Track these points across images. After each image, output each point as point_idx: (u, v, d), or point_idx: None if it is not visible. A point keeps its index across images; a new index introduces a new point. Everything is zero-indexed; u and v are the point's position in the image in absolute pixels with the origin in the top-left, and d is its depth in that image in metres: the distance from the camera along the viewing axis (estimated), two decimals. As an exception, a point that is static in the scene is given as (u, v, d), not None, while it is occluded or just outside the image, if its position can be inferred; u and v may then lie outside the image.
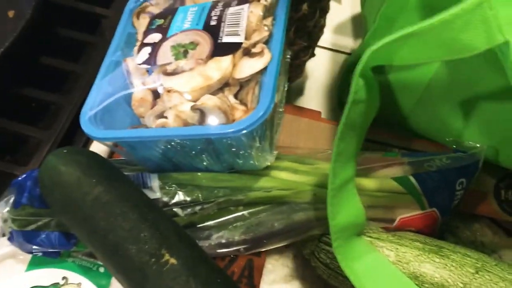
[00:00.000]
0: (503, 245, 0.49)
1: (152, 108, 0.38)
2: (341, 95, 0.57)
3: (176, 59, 0.37)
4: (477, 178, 0.45)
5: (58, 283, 0.39)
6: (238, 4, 0.39)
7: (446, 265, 0.39)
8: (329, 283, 0.43)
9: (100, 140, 0.37)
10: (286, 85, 0.46)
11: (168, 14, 0.42)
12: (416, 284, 0.39)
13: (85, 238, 0.36)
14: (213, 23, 0.39)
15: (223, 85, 0.37)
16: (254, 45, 0.37)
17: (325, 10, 0.51)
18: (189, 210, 0.39)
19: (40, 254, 0.38)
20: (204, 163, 0.40)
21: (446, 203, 0.43)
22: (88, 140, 0.49)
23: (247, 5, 0.39)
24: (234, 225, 0.40)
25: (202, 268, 0.35)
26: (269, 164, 0.41)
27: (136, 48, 0.41)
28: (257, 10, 0.38)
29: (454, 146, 0.44)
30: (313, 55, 0.54)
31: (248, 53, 0.37)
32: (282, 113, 0.44)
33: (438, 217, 0.43)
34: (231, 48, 0.37)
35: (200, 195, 0.39)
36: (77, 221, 0.35)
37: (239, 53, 0.37)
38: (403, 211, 0.42)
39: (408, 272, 0.39)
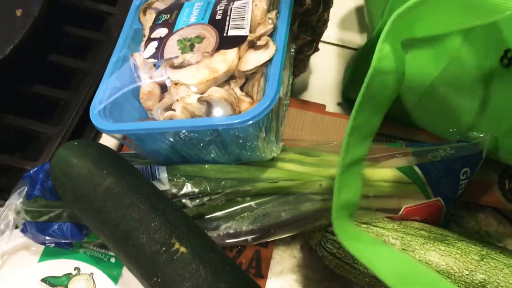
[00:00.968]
0: (508, 235, 0.50)
1: (159, 101, 0.39)
2: (347, 90, 0.57)
3: (183, 52, 0.38)
4: (482, 169, 0.45)
5: (70, 274, 0.39)
6: (242, -2, 0.40)
7: (452, 252, 0.40)
8: (336, 273, 0.44)
9: (109, 133, 0.37)
10: (291, 79, 0.47)
11: (174, 9, 0.42)
12: (422, 272, 0.39)
13: (96, 229, 0.37)
14: (218, 17, 0.39)
15: (229, 78, 0.38)
16: (259, 38, 0.38)
17: (328, 4, 0.51)
18: (197, 201, 0.40)
19: (52, 245, 0.39)
20: (212, 155, 0.41)
21: (451, 192, 0.43)
22: (97, 135, 0.50)
23: (251, -1, 0.40)
24: (241, 215, 0.41)
25: (211, 256, 0.36)
26: (275, 155, 0.41)
27: (143, 44, 0.42)
28: (261, 4, 0.39)
29: (458, 137, 0.44)
30: (317, 49, 0.55)
31: (253, 46, 0.37)
32: (287, 105, 0.45)
33: (443, 206, 0.43)
34: (236, 41, 0.37)
35: (208, 187, 0.40)
36: (88, 212, 0.36)
37: (244, 46, 0.37)
38: (408, 200, 0.43)
39: (414, 260, 0.40)
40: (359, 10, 0.67)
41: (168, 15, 0.42)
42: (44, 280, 0.39)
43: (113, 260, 0.40)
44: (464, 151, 0.43)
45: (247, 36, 0.37)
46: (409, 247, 0.40)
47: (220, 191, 0.40)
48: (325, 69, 0.62)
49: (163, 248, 0.34)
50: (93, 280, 0.39)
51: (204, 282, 0.34)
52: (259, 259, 0.46)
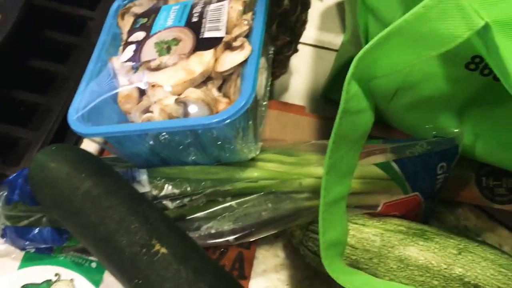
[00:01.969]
0: (486, 229, 0.51)
1: (138, 104, 0.39)
2: (327, 89, 0.58)
3: (160, 55, 0.38)
4: (459, 167, 0.46)
5: (50, 280, 0.39)
6: (218, 1, 0.41)
7: (430, 247, 0.40)
8: (318, 271, 0.44)
9: (88, 136, 0.38)
10: (269, 80, 0.47)
11: (152, 13, 0.43)
12: (402, 267, 0.40)
13: (76, 232, 0.37)
14: (195, 19, 0.40)
15: (206, 79, 0.38)
16: (235, 39, 0.38)
17: (306, 5, 0.52)
18: (178, 202, 0.40)
19: (33, 250, 0.39)
20: (192, 157, 0.41)
21: (429, 187, 0.44)
22: (79, 140, 0.50)
23: (227, 1, 0.40)
24: (222, 215, 0.41)
25: (192, 257, 0.36)
26: (254, 155, 0.42)
27: (121, 48, 0.42)
28: (236, 6, 0.39)
29: (434, 132, 0.45)
30: (296, 50, 0.56)
31: (229, 47, 0.38)
32: (266, 106, 0.45)
33: (421, 201, 0.44)
34: (212, 43, 0.38)
35: (188, 188, 0.40)
36: (68, 215, 0.36)
37: (220, 47, 0.38)
38: (387, 196, 0.43)
39: (393, 256, 0.40)
40: (338, 12, 0.68)
41: (146, 19, 0.42)
42: (24, 287, 0.39)
43: (94, 265, 0.40)
44: (440, 146, 0.44)
45: (223, 38, 0.38)
46: (388, 243, 0.41)
47: (200, 191, 0.40)
48: (305, 71, 0.62)
49: (144, 250, 0.35)
50: (74, 286, 0.39)
51: (186, 282, 0.34)
52: (242, 260, 0.46)
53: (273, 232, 0.43)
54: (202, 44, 0.38)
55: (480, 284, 0.38)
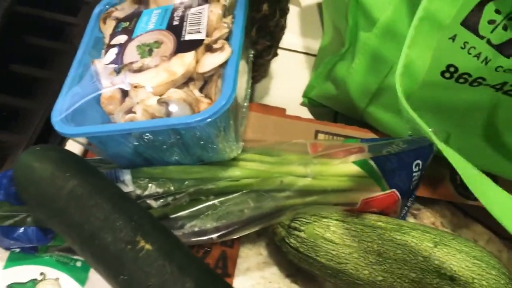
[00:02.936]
0: (461, 225, 0.52)
1: (121, 105, 0.40)
2: (309, 91, 0.60)
3: (142, 57, 0.39)
4: (434, 165, 0.48)
5: (36, 279, 0.40)
6: (199, 5, 0.42)
7: (407, 241, 0.42)
8: (300, 267, 0.45)
9: (71, 136, 0.38)
10: (250, 82, 0.49)
11: (133, 17, 0.44)
12: (380, 261, 0.41)
13: (62, 231, 0.37)
14: (175, 23, 0.41)
15: (188, 80, 0.39)
16: (215, 41, 0.39)
17: (284, 11, 0.53)
18: (161, 201, 0.41)
19: (17, 250, 0.39)
20: (175, 157, 0.42)
21: (405, 184, 0.45)
22: (62, 142, 0.50)
23: (207, 5, 0.41)
24: (206, 214, 0.42)
25: (177, 253, 0.37)
26: (236, 155, 0.43)
27: (103, 51, 0.43)
28: (216, 10, 0.41)
29: (409, 132, 0.47)
30: (275, 54, 0.57)
31: (210, 49, 0.39)
32: (247, 107, 0.47)
33: (398, 198, 0.45)
34: (193, 45, 0.39)
35: (171, 187, 0.41)
36: (53, 215, 0.37)
37: (201, 49, 0.39)
38: (365, 193, 0.45)
39: (372, 250, 0.42)
40: (315, 18, 0.70)
41: (128, 23, 0.43)
42: (9, 286, 0.39)
43: (79, 264, 0.41)
44: (415, 145, 0.46)
45: (203, 40, 0.39)
46: (368, 238, 0.42)
47: (183, 190, 0.41)
48: (285, 75, 0.64)
49: (129, 246, 0.35)
50: (59, 285, 0.40)
51: (170, 278, 0.35)
52: (226, 258, 0.47)
53: (255, 230, 0.43)
54: (183, 46, 0.39)
55: (456, 275, 0.40)
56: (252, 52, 0.50)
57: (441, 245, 0.41)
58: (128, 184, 0.41)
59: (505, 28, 0.37)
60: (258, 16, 0.49)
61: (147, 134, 0.38)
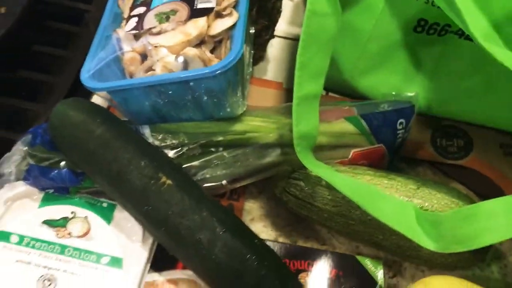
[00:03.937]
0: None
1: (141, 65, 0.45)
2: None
3: (160, 23, 0.45)
4: (417, 129, 0.54)
5: (67, 217, 0.44)
6: (209, -22, 0.48)
7: (393, 185, 0.47)
8: (299, 216, 0.51)
9: (98, 90, 0.43)
10: (252, 55, 0.54)
11: (150, -8, 0.50)
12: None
13: (92, 171, 0.42)
14: (188, -6, 0.47)
15: (200, 43, 0.45)
16: (224, 9, 0.45)
17: (280, -6, 0.60)
18: (177, 150, 0.46)
19: (51, 190, 0.44)
20: (189, 114, 0.47)
21: (391, 140, 0.51)
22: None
23: (217, -22, 0.47)
24: (215, 163, 0.47)
25: (194, 188, 0.42)
26: (241, 111, 0.48)
27: (123, 23, 0.49)
28: (225, -18, 0.47)
29: (394, 93, 0.53)
30: (273, 36, 0.63)
31: (219, 15, 0.45)
32: (250, 74, 0.52)
33: (385, 152, 0.51)
34: (205, 12, 0.45)
35: (185, 139, 0.46)
36: (83, 156, 0.42)
37: (212, 15, 0.45)
38: (356, 148, 0.51)
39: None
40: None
41: (145, -3, 0.49)
42: (44, 222, 0.44)
43: (105, 204, 0.46)
44: (398, 105, 0.51)
45: (214, 8, 0.45)
46: (359, 184, 0.48)
47: (196, 141, 0.46)
48: (280, 59, 0.70)
49: (152, 181, 0.40)
50: (88, 222, 0.44)
51: (189, 207, 0.40)
52: (232, 210, 0.52)
53: (260, 178, 0.49)
54: (196, 13, 0.45)
55: (437, 212, 0.45)
56: (253, 28, 0.56)
57: (423, 187, 0.47)
58: (148, 137, 0.46)
59: None
60: (258, -4, 0.55)
61: (166, 88, 0.43)
